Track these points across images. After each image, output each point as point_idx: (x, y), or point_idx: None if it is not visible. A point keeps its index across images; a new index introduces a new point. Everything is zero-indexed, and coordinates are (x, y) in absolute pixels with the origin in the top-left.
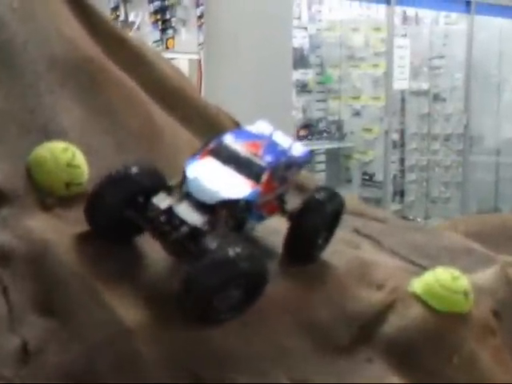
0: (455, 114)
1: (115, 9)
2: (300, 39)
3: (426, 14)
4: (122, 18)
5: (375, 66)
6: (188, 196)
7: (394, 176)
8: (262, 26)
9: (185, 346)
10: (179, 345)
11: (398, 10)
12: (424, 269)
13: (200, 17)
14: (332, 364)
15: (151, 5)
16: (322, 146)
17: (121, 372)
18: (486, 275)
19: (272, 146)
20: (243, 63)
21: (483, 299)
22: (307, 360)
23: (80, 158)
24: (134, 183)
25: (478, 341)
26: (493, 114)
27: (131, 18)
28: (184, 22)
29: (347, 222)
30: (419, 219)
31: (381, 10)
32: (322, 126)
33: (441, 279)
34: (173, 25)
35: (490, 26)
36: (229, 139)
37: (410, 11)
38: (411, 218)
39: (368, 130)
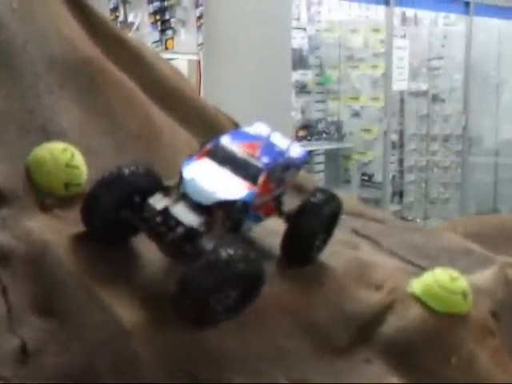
0: (454, 114)
1: (114, 9)
2: (299, 40)
3: (425, 15)
4: (121, 18)
5: (374, 66)
6: (184, 197)
7: (393, 177)
8: (261, 27)
9: (182, 346)
10: (176, 345)
11: (397, 11)
12: (423, 269)
13: (199, 17)
14: (330, 365)
15: (150, 5)
16: (321, 146)
17: (119, 373)
18: (485, 276)
19: (269, 148)
20: (242, 64)
21: (482, 300)
22: (305, 361)
23: (79, 159)
24: (130, 184)
25: (476, 341)
26: (492, 115)
27: (130, 18)
28: (183, 23)
29: (346, 223)
30: (418, 220)
31: (380, 11)
32: (321, 126)
33: (439, 280)
34: (172, 25)
35: (489, 27)
36: (226, 140)
37: (409, 12)
38: (410, 218)
39: (367, 131)
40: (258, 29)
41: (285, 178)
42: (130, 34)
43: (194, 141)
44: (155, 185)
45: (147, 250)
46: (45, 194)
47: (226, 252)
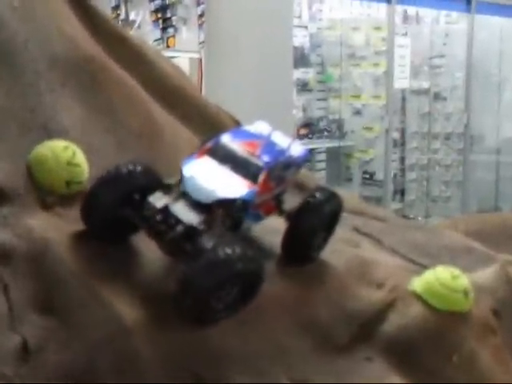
0: (456, 113)
1: (116, 8)
2: (301, 38)
3: (427, 13)
4: (122, 16)
5: (376, 64)
6: (184, 195)
7: (395, 175)
8: (262, 25)
9: (183, 344)
10: (177, 343)
11: (399, 9)
12: (424, 268)
13: (201, 15)
14: (331, 363)
15: (152, 3)
16: (323, 144)
17: (120, 371)
18: (486, 274)
19: (270, 146)
20: (244, 62)
21: (483, 298)
22: (306, 359)
23: (80, 157)
24: (129, 182)
25: (478, 340)
26: (493, 113)
27: (132, 16)
28: (185, 21)
29: (347, 221)
30: (419, 218)
31: (381, 8)
32: (322, 124)
33: (441, 278)
34: (173, 23)
35: (491, 26)
36: (226, 139)
37: (411, 10)
38: (411, 216)
39: (368, 129)
40: (260, 27)
41: (285, 176)
42: (132, 32)
43: (196, 139)
44: (155, 183)
45: (147, 248)
46: (46, 192)
47: (226, 251)
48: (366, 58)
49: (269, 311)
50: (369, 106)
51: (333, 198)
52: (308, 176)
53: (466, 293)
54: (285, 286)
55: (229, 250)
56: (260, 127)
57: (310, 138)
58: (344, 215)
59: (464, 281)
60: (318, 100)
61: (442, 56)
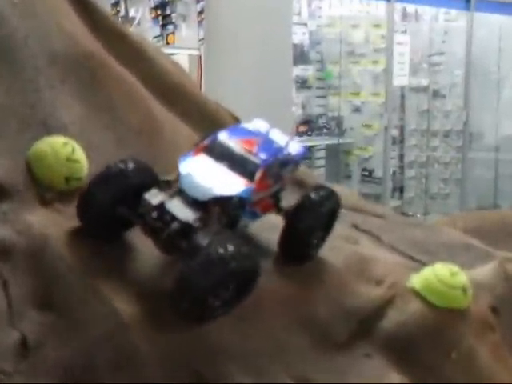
0: (455, 110)
1: (115, 4)
2: (300, 35)
3: (426, 11)
4: (122, 13)
5: (375, 62)
6: (181, 192)
7: (394, 172)
8: (262, 22)
9: (182, 341)
10: (176, 341)
11: (398, 6)
12: (423, 264)
13: (200, 12)
14: (330, 360)
15: (151, 0)
16: (322, 141)
17: (119, 367)
18: (485, 271)
19: (267, 144)
20: (243, 59)
21: (482, 295)
22: (305, 356)
23: (80, 153)
24: (125, 180)
25: (476, 337)
26: (492, 111)
27: (131, 13)
28: (184, 18)
29: (346, 218)
30: (418, 215)
31: (381, 6)
32: (321, 121)
33: (440, 275)
34: (173, 20)
35: (490, 23)
36: (223, 136)
37: (410, 8)
38: (410, 214)
39: (368, 126)
40: (259, 24)
41: (283, 174)
42: (131, 29)
43: (195, 136)
44: (151, 180)
45: (145, 244)
46: (45, 188)
47: (223, 248)
48: (365, 56)
49: (267, 308)
50: (368, 103)
51: (331, 196)
52: (307, 173)
53: (464, 290)
54: (283, 284)
55: (224, 248)
56: (258, 125)
57: (309, 135)
58: (343, 212)
59: (463, 278)
60: (318, 97)
61: (441, 53)
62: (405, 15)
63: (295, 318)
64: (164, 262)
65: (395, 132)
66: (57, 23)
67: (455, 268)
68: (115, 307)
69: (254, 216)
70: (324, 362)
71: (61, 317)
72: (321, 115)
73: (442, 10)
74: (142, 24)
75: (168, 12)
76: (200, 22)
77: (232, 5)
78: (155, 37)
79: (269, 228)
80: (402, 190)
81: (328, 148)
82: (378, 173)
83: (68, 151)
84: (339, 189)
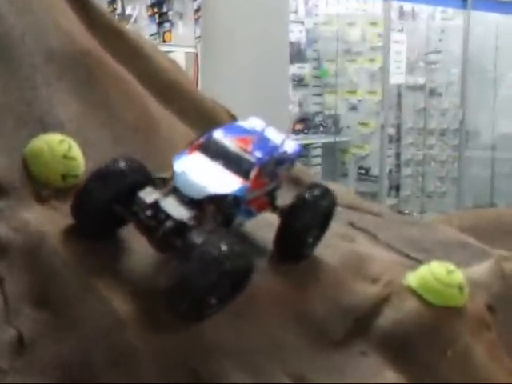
0: (451, 108)
1: (112, 2)
2: (297, 33)
3: (423, 9)
4: (118, 11)
5: (372, 60)
6: (175, 191)
7: (390, 170)
8: (258, 20)
9: (178, 339)
10: (173, 338)
11: (395, 4)
12: (419, 262)
13: (197, 10)
14: (327, 358)
15: None
16: (318, 140)
17: (116, 365)
18: (481, 269)
19: (263, 142)
20: (240, 57)
21: (478, 293)
22: (302, 354)
23: (76, 150)
24: (120, 179)
25: (472, 335)
26: (489, 110)
27: (128, 11)
28: (181, 16)
29: (342, 216)
30: (415, 214)
31: (377, 4)
32: (318, 120)
33: (436, 273)
34: (170, 18)
35: (487, 22)
36: (218, 134)
37: (407, 6)
38: (407, 212)
39: (364, 125)
40: (256, 22)
41: (278, 172)
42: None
43: (192, 133)
44: (145, 179)
45: (140, 243)
46: (42, 186)
47: (218, 247)
48: (361, 54)
49: (264, 306)
50: (364, 101)
51: (326, 194)
52: (304, 171)
53: (460, 288)
54: (279, 282)
55: (219, 247)
56: (253, 123)
57: (306, 134)
58: (339, 210)
59: (459, 276)
60: (314, 95)
61: (437, 52)
62: (401, 13)
63: (291, 316)
64: (158, 260)
65: (392, 130)
66: (54, 21)
67: (451, 266)
68: (112, 305)
69: (249, 214)
70: (320, 359)
71: (57, 314)
72: (317, 113)
73: (439, 8)
74: (139, 22)
75: (165, 10)
76: (197, 20)
77: (228, 3)
78: (152, 34)
79: (264, 226)
80: (398, 188)
81: (324, 146)
82: (375, 171)
83: (65, 148)
84: (335, 187)
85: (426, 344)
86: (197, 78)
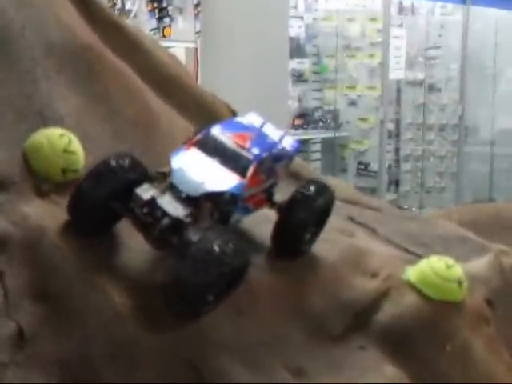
0: (450, 104)
1: None
2: (296, 29)
3: (422, 5)
4: (118, 6)
5: (371, 55)
6: (172, 187)
7: (389, 166)
8: (258, 16)
9: (178, 333)
10: (172, 332)
11: (395, 0)
12: (418, 257)
13: (197, 5)
14: (326, 352)
15: None
16: (318, 135)
17: (115, 358)
18: (480, 264)
19: (261, 139)
20: (239, 52)
21: (477, 288)
22: (301, 348)
23: (76, 144)
24: (117, 176)
25: (471, 329)
26: (488, 105)
27: (128, 6)
28: (181, 11)
29: (342, 210)
30: (414, 209)
31: (377, 0)
32: (317, 115)
33: (435, 267)
34: (169, 13)
35: (486, 17)
36: (216, 130)
37: (406, 2)
38: (406, 207)
39: (363, 120)
40: (256, 17)
41: (276, 169)
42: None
43: (192, 128)
44: (142, 175)
45: (137, 239)
46: (42, 180)
47: (212, 244)
48: (361, 49)
49: (263, 301)
50: (364, 96)
51: (324, 190)
52: (303, 166)
53: (460, 282)
54: (279, 277)
55: (215, 246)
56: (252, 119)
57: (305, 129)
58: (339, 204)
59: (458, 270)
60: (314, 90)
61: (437, 47)
62: (401, 9)
63: (291, 311)
64: (155, 257)
65: (391, 126)
66: (54, 14)
67: (451, 261)
68: (111, 299)
69: (247, 211)
70: (319, 354)
71: (57, 308)
72: (317, 108)
73: (439, 3)
74: (139, 17)
75: (164, 5)
76: (196, 15)
77: None
78: (151, 29)
79: (262, 222)
80: (397, 183)
81: (324, 141)
82: (374, 166)
83: (65, 143)
84: (335, 182)
85: (425, 338)
86: (196, 73)
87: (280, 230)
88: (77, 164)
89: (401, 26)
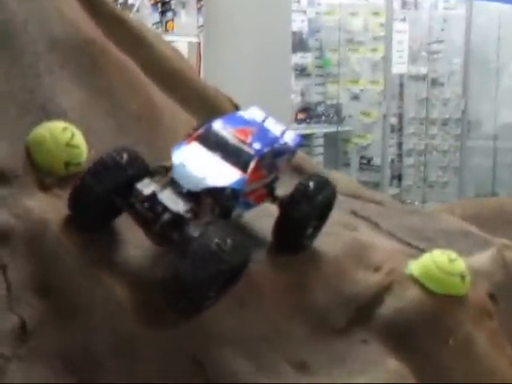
0: (453, 98)
1: None
2: (299, 23)
3: None
4: (121, 0)
5: (374, 50)
6: (173, 182)
7: (392, 160)
8: (261, 10)
9: (180, 326)
10: (175, 326)
11: None
12: (421, 251)
13: None
14: (329, 346)
15: None
16: (321, 129)
17: (118, 351)
18: (483, 258)
19: (262, 133)
20: (242, 46)
21: (480, 282)
22: (304, 342)
23: (79, 138)
24: (118, 171)
25: (474, 323)
26: (491, 99)
27: (130, 0)
28: (183, 5)
29: (345, 204)
30: (416, 203)
31: None
32: (320, 109)
33: (438, 261)
34: (172, 7)
35: (489, 11)
36: (218, 125)
37: None
38: (409, 201)
39: (366, 114)
40: (258, 11)
41: (278, 164)
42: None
43: (195, 122)
44: (142, 170)
45: (137, 235)
46: (45, 174)
47: (216, 242)
48: (364, 44)
49: (266, 295)
50: (367, 91)
51: (326, 185)
52: (306, 159)
53: (462, 276)
54: (282, 271)
55: (216, 241)
56: (254, 113)
57: (308, 123)
58: (341, 199)
59: (461, 264)
60: (316, 85)
61: (440, 41)
62: (404, 3)
63: (294, 305)
64: (155, 253)
65: (394, 120)
66: (57, 8)
67: (453, 255)
68: (114, 293)
69: (248, 206)
70: (322, 347)
71: (59, 301)
72: (319, 103)
73: None
74: (141, 11)
75: None
76: (199, 9)
77: None
78: (154, 24)
79: (263, 217)
80: (400, 177)
81: (327, 136)
82: (377, 161)
83: (67, 136)
84: (338, 176)
85: (427, 332)
86: (199, 67)
87: (282, 224)
88: (80, 158)
89: (404, 20)
